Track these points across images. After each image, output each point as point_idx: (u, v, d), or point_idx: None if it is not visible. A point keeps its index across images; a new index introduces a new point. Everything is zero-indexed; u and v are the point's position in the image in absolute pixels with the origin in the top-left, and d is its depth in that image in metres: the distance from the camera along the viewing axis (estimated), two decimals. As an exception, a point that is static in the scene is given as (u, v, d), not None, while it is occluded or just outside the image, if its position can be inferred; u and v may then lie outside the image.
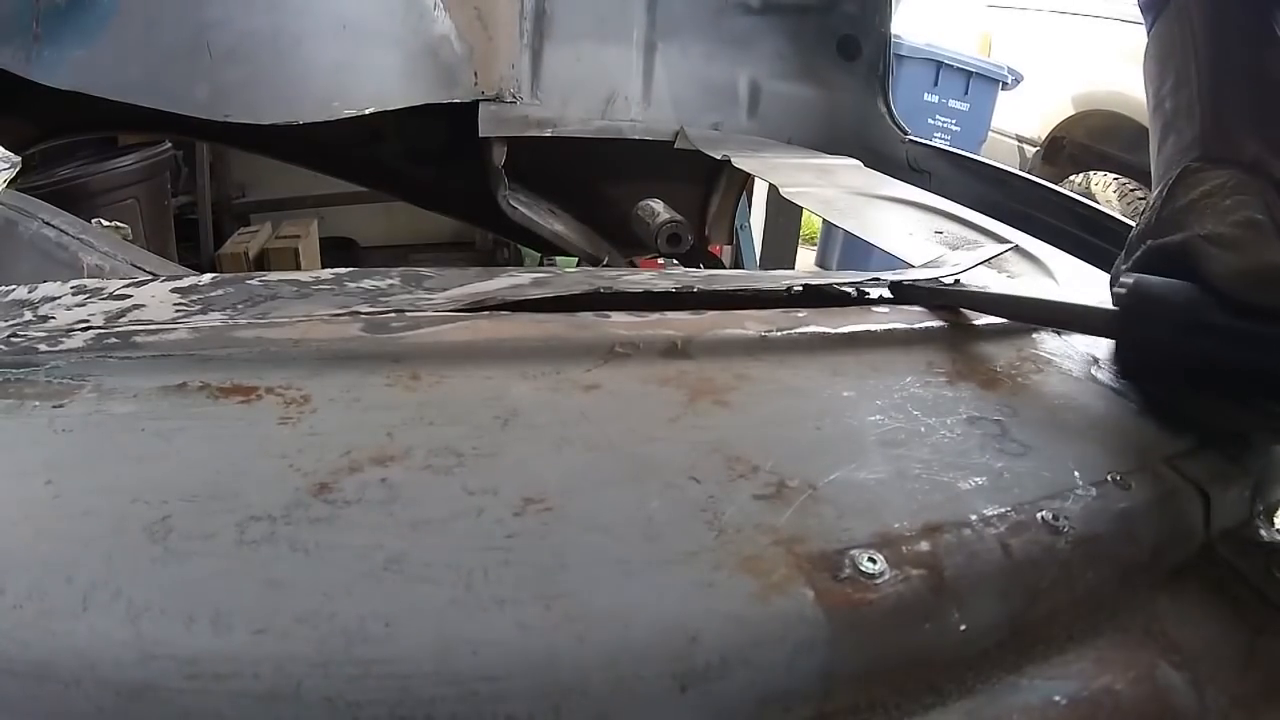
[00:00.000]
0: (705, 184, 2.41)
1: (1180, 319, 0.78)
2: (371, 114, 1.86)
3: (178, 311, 0.78)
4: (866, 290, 0.98)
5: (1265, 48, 0.84)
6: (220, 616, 0.47)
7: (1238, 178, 0.81)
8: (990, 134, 5.50)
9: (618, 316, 0.83)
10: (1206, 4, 0.85)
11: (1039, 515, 0.64)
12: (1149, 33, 0.91)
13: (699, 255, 2.44)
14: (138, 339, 0.72)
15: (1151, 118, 0.90)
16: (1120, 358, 0.89)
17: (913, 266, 1.22)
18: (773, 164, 1.88)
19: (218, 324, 0.75)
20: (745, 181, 2.46)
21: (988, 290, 1.03)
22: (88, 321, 0.75)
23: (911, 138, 2.07)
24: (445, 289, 0.86)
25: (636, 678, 0.49)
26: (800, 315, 0.87)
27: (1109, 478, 0.70)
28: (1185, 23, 0.85)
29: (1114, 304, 0.83)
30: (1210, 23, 0.84)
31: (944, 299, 0.96)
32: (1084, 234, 1.59)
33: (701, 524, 0.57)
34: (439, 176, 2.40)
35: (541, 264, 3.88)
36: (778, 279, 0.98)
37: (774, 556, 0.56)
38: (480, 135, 2.03)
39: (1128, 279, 0.82)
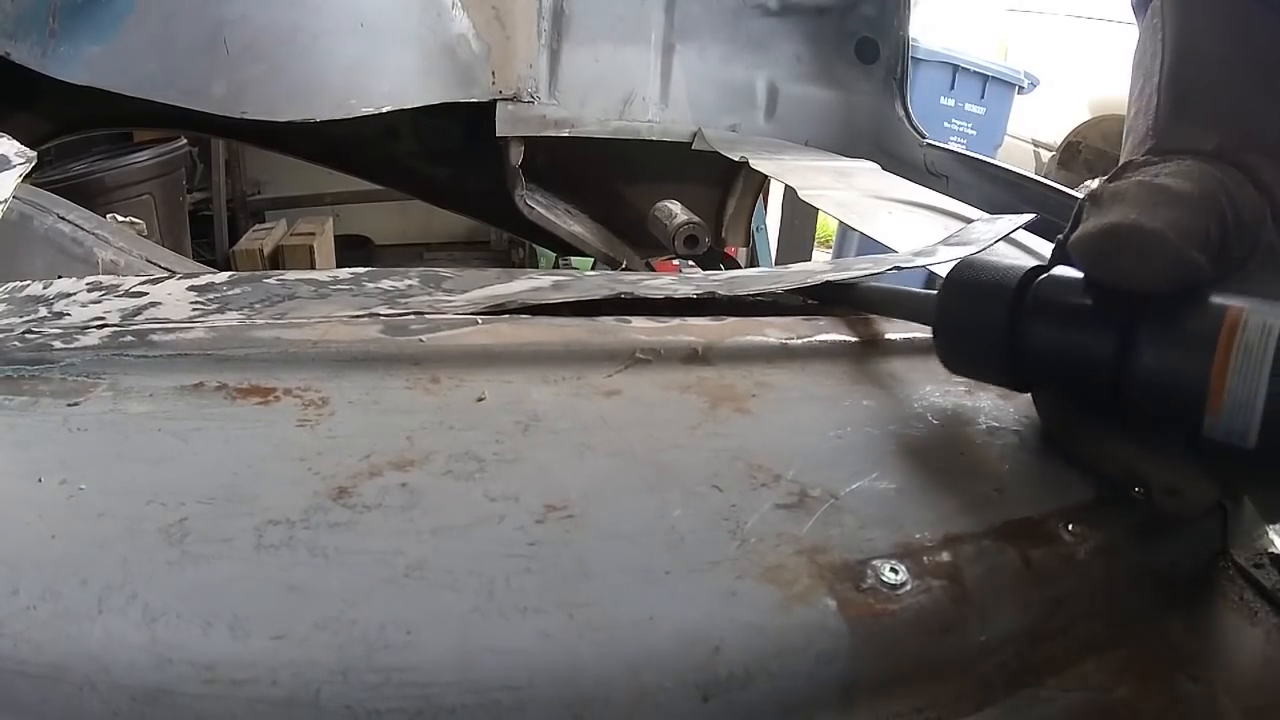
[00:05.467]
0: (722, 186, 2.40)
1: (994, 294, 0.68)
2: (388, 112, 1.86)
3: (195, 310, 0.78)
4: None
5: (1236, 36, 0.77)
6: (238, 621, 0.47)
7: (1187, 164, 0.69)
8: (1006, 138, 5.49)
9: (638, 322, 0.82)
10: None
11: (1058, 526, 0.64)
12: None
13: (715, 257, 2.44)
14: (154, 337, 0.72)
15: (1127, 124, 0.82)
16: (936, 344, 0.74)
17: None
18: (790, 166, 1.87)
19: (235, 323, 0.75)
20: (762, 183, 2.46)
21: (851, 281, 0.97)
22: (103, 319, 0.75)
23: (929, 141, 2.07)
24: (465, 291, 0.86)
25: (659, 687, 0.48)
26: (820, 322, 0.86)
27: (1127, 488, 0.69)
28: (1157, 22, 0.80)
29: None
30: (1178, 12, 0.78)
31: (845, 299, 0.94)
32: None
33: (724, 533, 0.57)
34: (455, 175, 2.40)
35: (557, 264, 3.88)
36: (797, 274, 0.98)
37: (796, 566, 0.55)
38: (498, 135, 2.03)
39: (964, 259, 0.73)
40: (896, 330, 0.87)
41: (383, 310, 0.79)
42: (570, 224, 2.31)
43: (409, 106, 1.90)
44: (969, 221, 1.49)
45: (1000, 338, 0.68)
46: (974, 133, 5.20)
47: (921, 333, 0.86)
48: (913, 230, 1.49)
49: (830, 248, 5.66)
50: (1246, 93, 0.74)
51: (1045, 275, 0.68)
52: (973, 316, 0.70)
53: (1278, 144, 0.70)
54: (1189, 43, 0.77)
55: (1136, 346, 0.61)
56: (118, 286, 0.81)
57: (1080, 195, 0.73)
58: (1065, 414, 0.72)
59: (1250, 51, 0.75)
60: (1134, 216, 0.62)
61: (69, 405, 0.64)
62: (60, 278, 0.82)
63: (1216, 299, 0.59)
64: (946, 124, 5.14)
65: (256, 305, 0.80)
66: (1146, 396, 0.62)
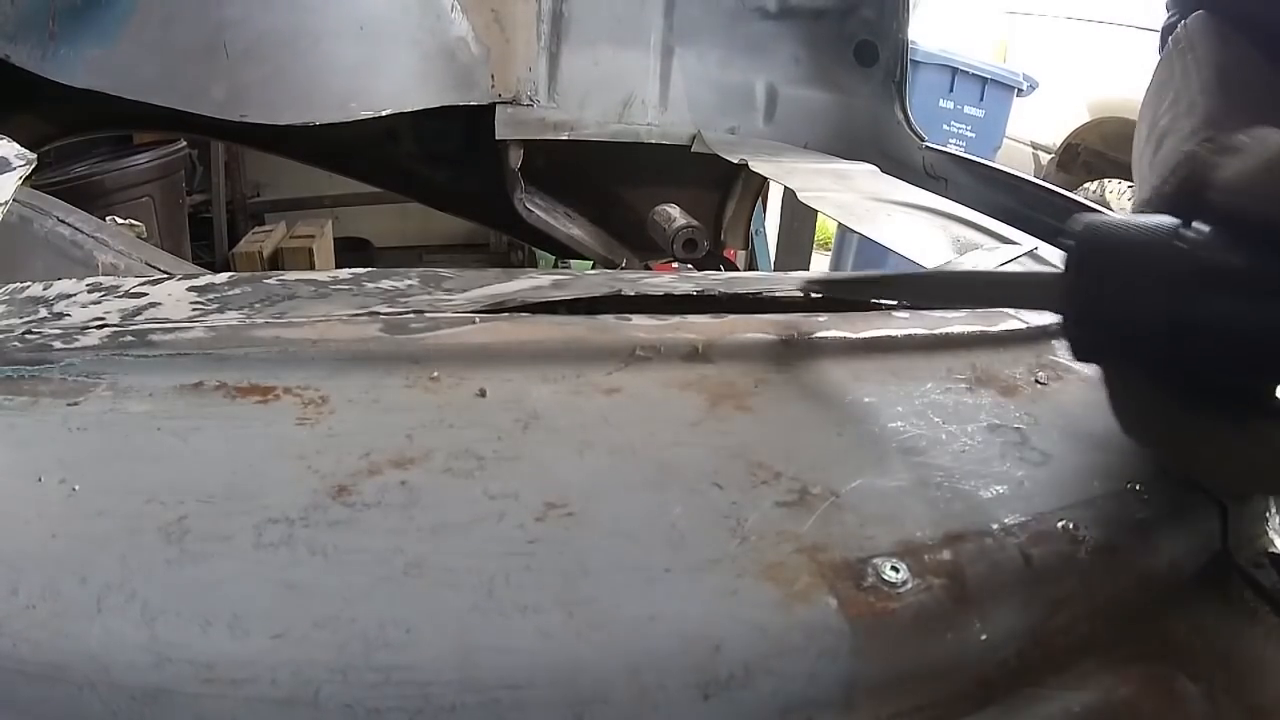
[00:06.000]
0: (721, 189, 2.40)
1: (1147, 264, 0.56)
2: (388, 115, 1.86)
3: (194, 310, 0.78)
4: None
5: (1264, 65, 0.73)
6: (237, 620, 0.47)
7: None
8: (1005, 140, 5.49)
9: (638, 320, 0.82)
10: (1207, 31, 0.77)
11: (1059, 525, 0.64)
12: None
13: (714, 260, 2.44)
14: (154, 337, 0.72)
15: (1144, 144, 0.76)
16: (1068, 333, 0.63)
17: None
18: (789, 168, 1.87)
19: (235, 323, 0.75)
20: (761, 186, 2.46)
21: (915, 272, 0.95)
22: (103, 319, 0.75)
23: (928, 144, 2.06)
24: (465, 290, 0.86)
25: (659, 686, 0.48)
26: (820, 319, 0.86)
27: (1128, 487, 0.69)
28: (1183, 46, 0.77)
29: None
30: (1208, 35, 0.76)
31: (866, 290, 0.93)
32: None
33: (724, 531, 0.57)
34: (455, 178, 2.40)
35: (556, 267, 3.88)
36: (795, 281, 0.98)
37: (797, 564, 0.55)
38: (497, 138, 2.03)
39: (1079, 218, 0.61)
40: (897, 328, 0.87)
41: (382, 309, 0.79)
42: (569, 227, 2.31)
43: (408, 109, 1.90)
44: (968, 223, 1.50)
45: (1166, 316, 0.55)
46: (973, 135, 5.21)
47: (922, 330, 0.86)
48: (912, 233, 1.48)
49: (830, 250, 5.66)
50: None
51: (1198, 235, 0.56)
52: (1123, 291, 0.57)
53: None
54: (1225, 60, 0.74)
55: None
56: (118, 287, 0.81)
57: (1084, 200, 0.66)
58: (1164, 409, 0.62)
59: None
60: None
61: (69, 405, 0.64)
62: (60, 279, 0.82)
63: None
64: (945, 126, 5.15)
65: (256, 305, 0.80)
66: None
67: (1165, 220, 0.57)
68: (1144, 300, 0.56)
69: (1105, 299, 0.58)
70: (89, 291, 0.80)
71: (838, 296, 0.92)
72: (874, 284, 0.93)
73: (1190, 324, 0.54)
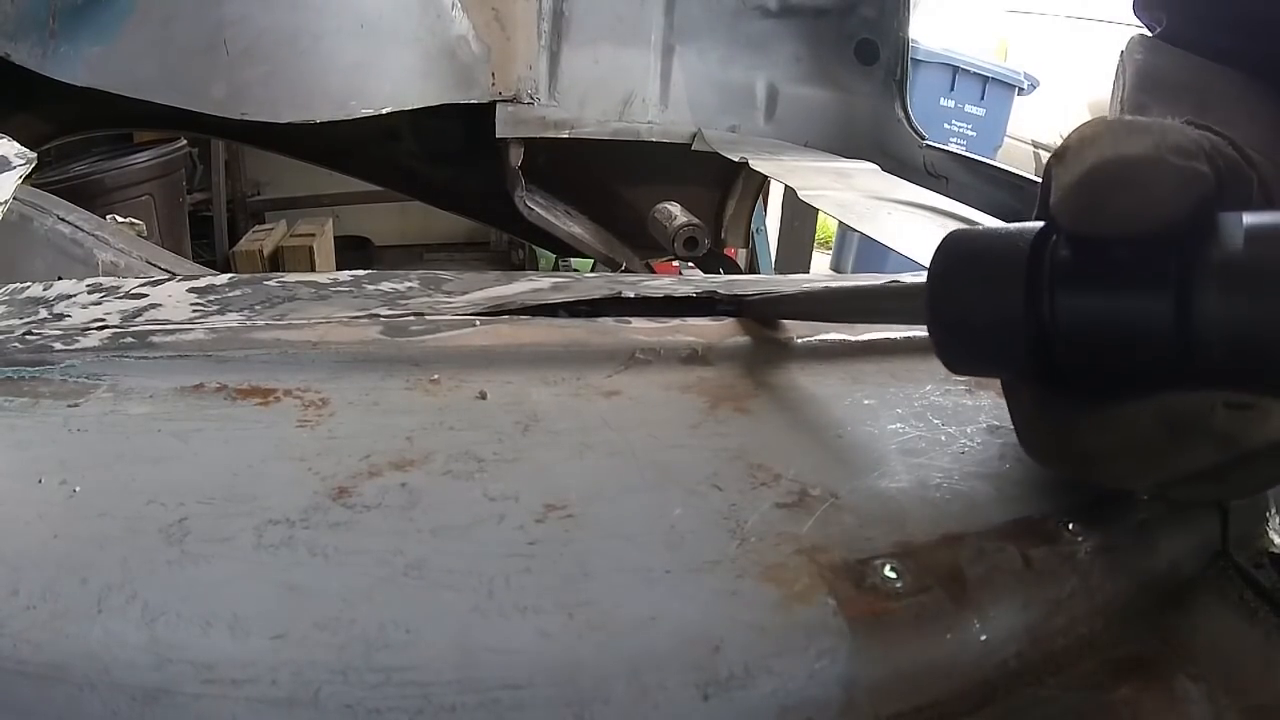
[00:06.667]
0: (722, 187, 2.40)
1: (1000, 270, 0.56)
2: (388, 114, 1.86)
3: (195, 312, 0.78)
4: None
5: (1193, 66, 0.74)
6: (238, 621, 0.47)
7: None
8: (1006, 139, 5.49)
9: (638, 322, 0.82)
10: (1142, 42, 0.79)
11: (1059, 525, 0.63)
12: None
13: (715, 258, 2.44)
14: (154, 339, 0.72)
15: None
16: (934, 342, 0.62)
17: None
18: (790, 167, 1.87)
19: (235, 325, 0.75)
20: (762, 185, 2.46)
21: (812, 290, 0.91)
22: (104, 320, 0.75)
23: (929, 143, 2.07)
24: (465, 292, 0.86)
25: (659, 687, 0.48)
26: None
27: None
28: (1120, 65, 0.80)
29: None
30: (1139, 50, 0.78)
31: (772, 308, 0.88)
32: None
33: (724, 532, 0.57)
34: (455, 177, 2.41)
35: (557, 265, 3.89)
36: (795, 284, 0.98)
37: (796, 565, 0.55)
38: (497, 136, 2.03)
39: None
40: (896, 330, 0.87)
41: (383, 311, 0.79)
42: (570, 225, 2.31)
43: (409, 108, 1.90)
44: (969, 222, 1.50)
45: (1018, 319, 0.55)
46: (974, 134, 5.21)
47: (921, 332, 0.86)
48: (913, 231, 1.48)
49: (830, 249, 5.67)
50: (1206, 102, 0.71)
51: (1058, 237, 0.55)
52: (982, 297, 0.57)
53: (1246, 141, 0.62)
54: (1150, 69, 0.76)
55: (1195, 291, 0.48)
56: (118, 288, 0.81)
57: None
58: (1058, 404, 0.58)
59: (1206, 76, 0.74)
60: (1116, 149, 0.52)
61: (69, 406, 0.64)
62: (60, 279, 0.82)
63: (1263, 219, 0.48)
64: (946, 125, 5.15)
65: (257, 307, 0.80)
66: (1223, 346, 0.48)
67: (1031, 226, 0.56)
68: (998, 305, 0.56)
69: (962, 306, 0.59)
70: (89, 292, 0.80)
71: (743, 312, 0.89)
72: (778, 302, 0.90)
73: (1046, 328, 0.54)
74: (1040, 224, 0.56)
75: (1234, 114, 0.67)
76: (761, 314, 0.87)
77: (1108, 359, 0.54)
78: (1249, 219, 0.48)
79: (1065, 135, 0.56)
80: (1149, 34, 0.80)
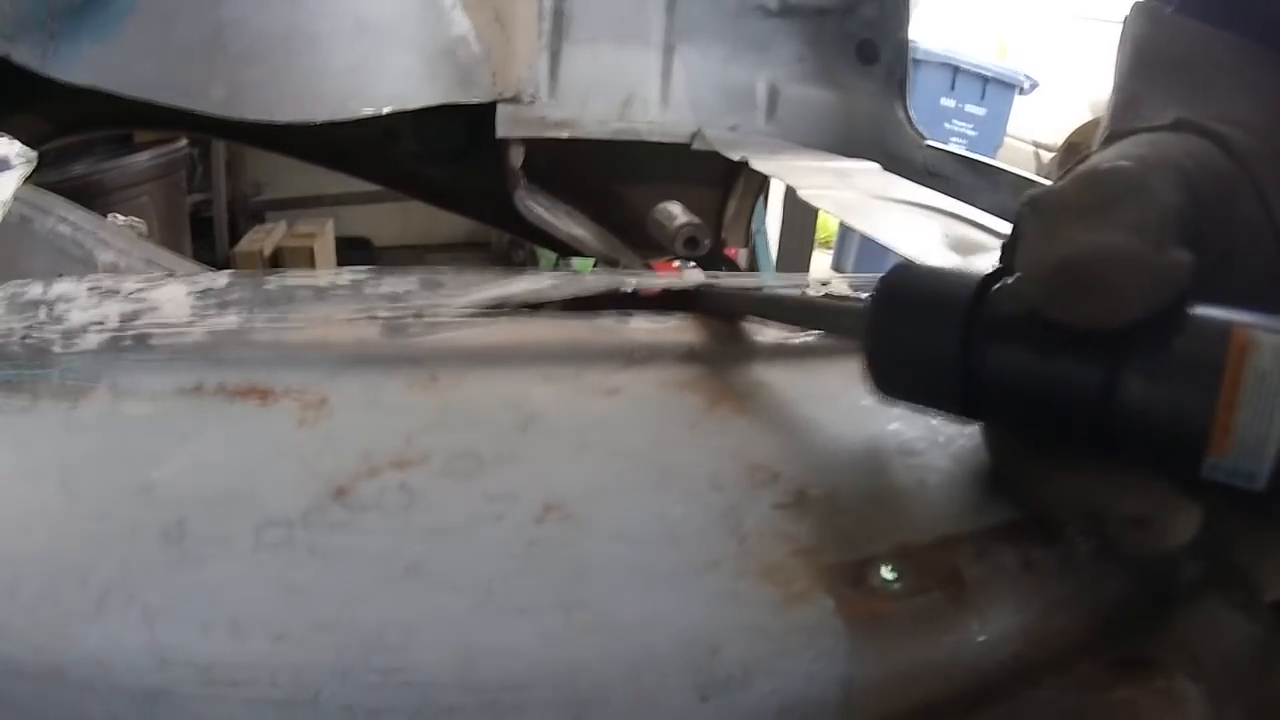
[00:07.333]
0: (722, 186, 2.40)
1: (938, 310, 0.57)
2: (389, 114, 1.86)
3: (194, 312, 0.78)
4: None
5: (1195, 38, 0.70)
6: (237, 622, 0.47)
7: (1138, 137, 0.60)
8: (1007, 139, 5.49)
9: (638, 321, 0.82)
10: (1139, 13, 0.77)
11: (1059, 526, 0.63)
12: None
13: (716, 258, 2.43)
14: (153, 340, 0.72)
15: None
16: (866, 367, 0.64)
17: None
18: (791, 166, 1.87)
19: (234, 325, 0.75)
20: (762, 184, 2.46)
21: (770, 293, 0.92)
22: (103, 321, 0.75)
23: (929, 142, 2.06)
24: (464, 291, 0.86)
25: (658, 688, 0.48)
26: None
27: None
28: (1123, 38, 0.75)
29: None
30: (1138, 22, 0.74)
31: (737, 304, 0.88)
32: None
33: (723, 533, 0.57)
34: (456, 177, 2.40)
35: (557, 265, 3.88)
36: (794, 284, 0.98)
37: (795, 566, 0.55)
38: (498, 136, 2.03)
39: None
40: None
41: (382, 311, 0.79)
42: (570, 225, 2.30)
43: (409, 108, 1.90)
44: (970, 222, 1.49)
45: (951, 362, 0.56)
46: (974, 134, 5.22)
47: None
48: (914, 231, 1.48)
49: (831, 249, 5.67)
50: (1207, 78, 0.68)
51: (1001, 285, 0.56)
52: (916, 335, 0.58)
53: (1247, 118, 0.62)
54: (1147, 43, 0.74)
55: (1123, 376, 0.50)
56: (117, 289, 0.81)
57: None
58: (1013, 447, 0.62)
59: (1207, 46, 0.72)
60: (1089, 239, 0.51)
61: (69, 407, 0.64)
62: (60, 278, 0.82)
63: (1213, 313, 0.49)
64: (947, 125, 5.16)
65: (255, 307, 0.80)
66: (1136, 434, 0.51)
67: (982, 269, 0.57)
68: (932, 345, 0.57)
69: (896, 340, 0.60)
70: (89, 293, 0.80)
71: (710, 309, 0.89)
72: (742, 299, 0.90)
73: (977, 373, 0.55)
74: (988, 270, 0.57)
75: (1237, 87, 0.66)
76: (709, 309, 0.87)
77: (1032, 414, 0.55)
78: (1199, 311, 0.49)
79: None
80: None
